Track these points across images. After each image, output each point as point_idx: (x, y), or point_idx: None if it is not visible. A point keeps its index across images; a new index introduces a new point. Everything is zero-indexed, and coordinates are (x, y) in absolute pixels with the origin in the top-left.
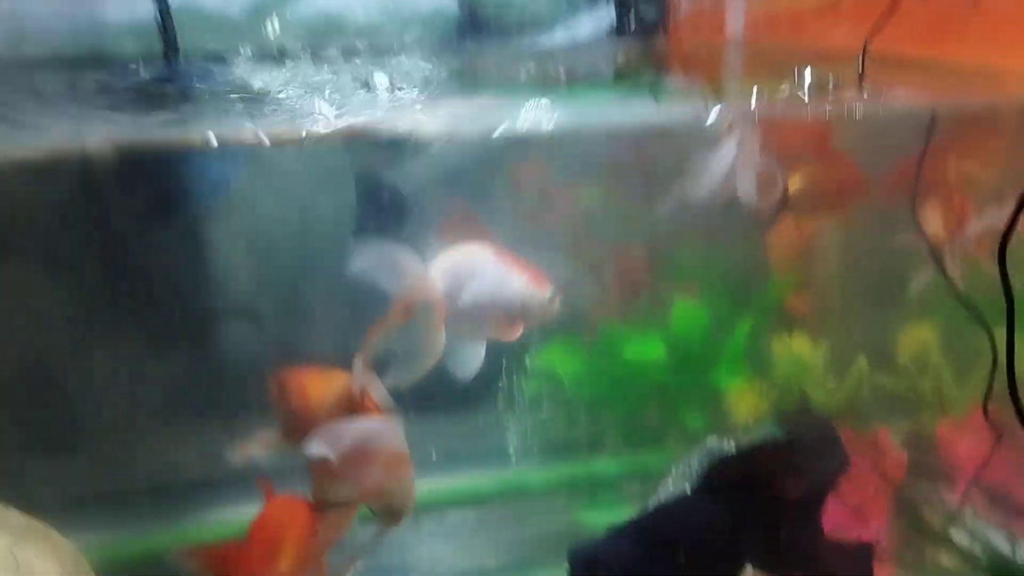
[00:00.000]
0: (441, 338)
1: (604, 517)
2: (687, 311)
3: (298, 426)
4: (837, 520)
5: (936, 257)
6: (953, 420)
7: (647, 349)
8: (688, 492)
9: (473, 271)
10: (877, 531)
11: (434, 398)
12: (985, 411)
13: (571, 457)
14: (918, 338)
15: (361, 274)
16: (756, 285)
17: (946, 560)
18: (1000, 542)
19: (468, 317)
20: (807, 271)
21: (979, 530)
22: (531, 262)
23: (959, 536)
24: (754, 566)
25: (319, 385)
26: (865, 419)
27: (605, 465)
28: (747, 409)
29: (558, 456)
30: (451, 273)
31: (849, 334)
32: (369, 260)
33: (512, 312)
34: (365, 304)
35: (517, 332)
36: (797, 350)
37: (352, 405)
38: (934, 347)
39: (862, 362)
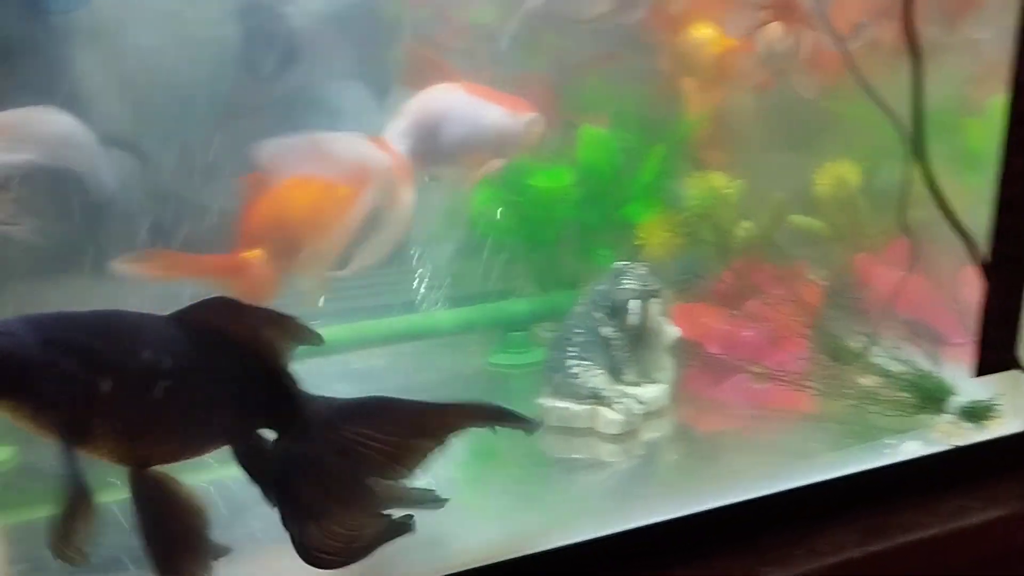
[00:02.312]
0: (409, 201)
1: (514, 359)
2: (595, 138)
3: None
4: (755, 347)
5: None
6: (871, 253)
7: (555, 178)
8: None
9: (445, 111)
10: (787, 356)
11: None
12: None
13: (481, 299)
14: (836, 173)
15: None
16: (668, 116)
17: (867, 381)
18: (921, 361)
19: (448, 159)
20: (721, 103)
21: (899, 353)
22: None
23: (879, 359)
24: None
25: None
26: (783, 253)
27: (516, 306)
28: (659, 245)
29: (467, 298)
30: (423, 118)
31: (765, 170)
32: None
33: (492, 144)
34: None
35: (499, 165)
36: (712, 184)
37: None
38: (853, 182)
39: (779, 197)
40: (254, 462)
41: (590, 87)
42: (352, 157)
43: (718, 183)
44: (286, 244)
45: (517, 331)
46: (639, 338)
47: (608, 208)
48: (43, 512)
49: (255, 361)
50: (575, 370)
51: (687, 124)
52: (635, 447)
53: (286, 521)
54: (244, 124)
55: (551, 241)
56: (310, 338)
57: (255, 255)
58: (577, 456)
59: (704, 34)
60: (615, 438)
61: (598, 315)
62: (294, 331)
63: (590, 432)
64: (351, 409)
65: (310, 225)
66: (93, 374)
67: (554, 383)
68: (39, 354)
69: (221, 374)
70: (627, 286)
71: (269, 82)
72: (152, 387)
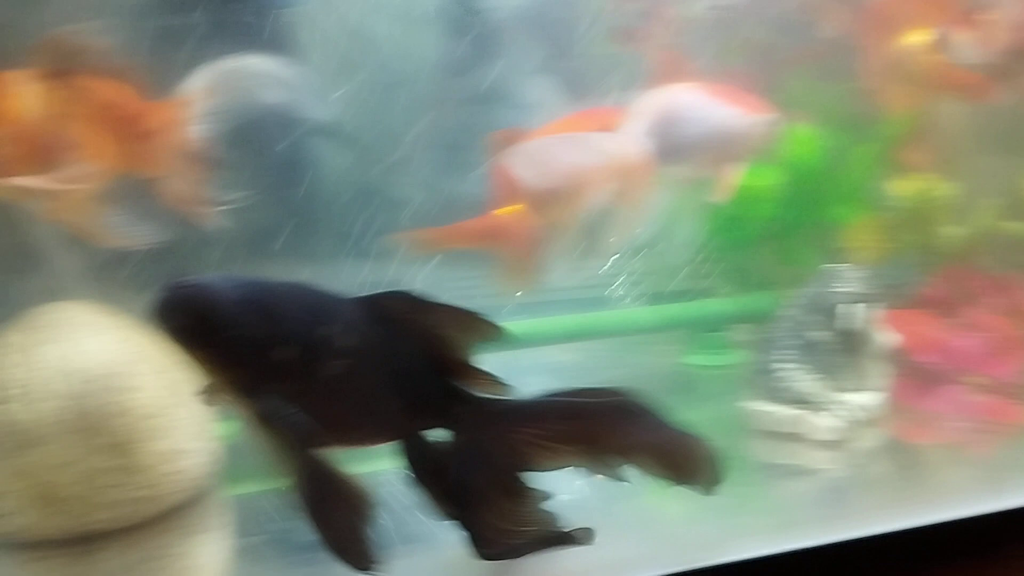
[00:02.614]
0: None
1: (709, 360)
2: (802, 137)
3: None
4: (972, 357)
5: None
6: None
7: (760, 176)
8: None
9: (685, 111)
10: (1011, 368)
11: None
12: None
13: (678, 296)
14: None
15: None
16: (876, 116)
17: None
18: None
19: (685, 158)
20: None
21: None
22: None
23: None
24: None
25: None
26: (999, 260)
27: (714, 306)
28: (865, 247)
29: (665, 295)
30: (663, 117)
31: (979, 173)
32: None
33: (730, 145)
34: None
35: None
36: (922, 187)
37: None
38: None
39: (989, 202)
40: (420, 458)
41: (796, 85)
42: (601, 148)
43: (929, 186)
44: (544, 198)
45: (713, 331)
46: (850, 343)
47: (813, 208)
48: (268, 486)
49: (432, 358)
50: (783, 374)
51: (896, 125)
52: (846, 455)
53: (457, 516)
54: (449, 116)
55: (753, 240)
56: (494, 334)
57: (514, 210)
58: (784, 462)
59: (919, 41)
60: (826, 445)
61: (808, 318)
62: (478, 327)
63: (795, 438)
64: (522, 411)
65: (565, 182)
66: (271, 338)
67: (760, 386)
68: (232, 311)
69: (396, 365)
70: (839, 289)
71: (473, 76)
72: (325, 362)
